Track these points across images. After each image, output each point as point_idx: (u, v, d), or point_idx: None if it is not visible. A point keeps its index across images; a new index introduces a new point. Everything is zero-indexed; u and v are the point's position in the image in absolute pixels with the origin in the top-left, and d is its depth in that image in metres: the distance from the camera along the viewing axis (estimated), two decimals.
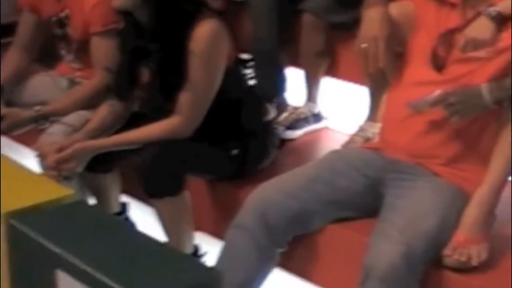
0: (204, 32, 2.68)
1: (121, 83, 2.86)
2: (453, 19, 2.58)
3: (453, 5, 2.60)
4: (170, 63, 2.72)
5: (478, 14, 2.51)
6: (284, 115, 3.41)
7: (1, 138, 3.57)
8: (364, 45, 2.61)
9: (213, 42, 2.69)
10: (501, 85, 2.38)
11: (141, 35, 2.78)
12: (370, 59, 2.61)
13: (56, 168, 2.72)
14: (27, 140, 3.43)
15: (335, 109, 3.50)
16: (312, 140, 3.40)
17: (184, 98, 2.72)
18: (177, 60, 2.70)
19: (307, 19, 3.38)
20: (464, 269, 2.40)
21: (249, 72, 2.98)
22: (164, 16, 2.70)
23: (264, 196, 2.55)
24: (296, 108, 3.45)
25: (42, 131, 3.07)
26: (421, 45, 2.61)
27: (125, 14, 2.81)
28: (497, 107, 2.40)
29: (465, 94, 2.42)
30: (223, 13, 2.86)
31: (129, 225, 2.79)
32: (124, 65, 2.85)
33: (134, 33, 2.80)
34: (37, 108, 3.10)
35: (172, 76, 2.73)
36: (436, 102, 2.44)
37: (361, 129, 3.19)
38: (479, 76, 2.45)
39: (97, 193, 3.06)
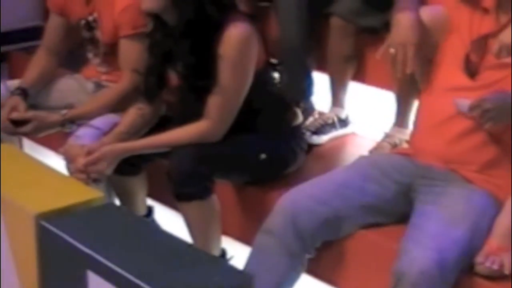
0: (234, 37, 2.67)
1: (150, 86, 2.86)
2: (486, 24, 2.56)
3: (486, 10, 2.57)
4: (199, 67, 2.71)
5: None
6: (311, 120, 3.40)
7: (26, 140, 3.59)
8: (392, 50, 2.59)
9: (243, 47, 2.68)
10: None
11: (170, 38, 2.77)
12: (398, 65, 2.58)
13: (85, 171, 2.71)
14: (51, 143, 3.43)
15: (362, 115, 3.48)
16: (339, 145, 3.39)
17: (213, 102, 2.71)
18: (206, 64, 2.69)
19: (335, 23, 3.36)
20: (496, 277, 2.37)
21: (277, 76, 2.96)
22: (193, 19, 2.68)
23: (294, 201, 2.53)
24: (322, 113, 3.44)
25: (66, 134, 3.06)
26: (453, 50, 2.59)
27: (154, 16, 2.80)
28: None
29: (501, 100, 2.40)
30: (252, 17, 2.85)
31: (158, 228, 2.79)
32: (152, 67, 2.85)
33: (163, 36, 2.80)
34: (64, 112, 3.10)
35: (200, 80, 2.72)
36: (473, 108, 2.42)
37: (388, 135, 3.16)
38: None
39: (123, 196, 3.06)
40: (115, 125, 2.95)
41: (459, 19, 2.61)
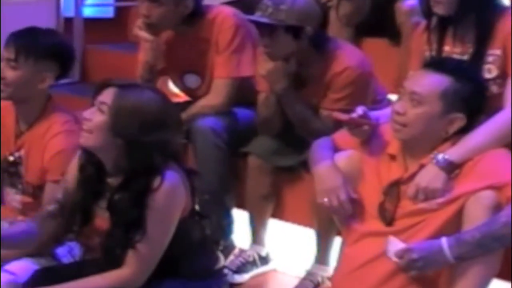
0: (163, 189, 2.65)
1: (72, 221, 2.78)
2: (394, 170, 2.62)
3: (392, 157, 2.63)
4: (134, 218, 2.67)
5: (421, 165, 2.54)
6: (231, 258, 3.40)
7: None
8: (326, 200, 2.63)
9: (171, 199, 2.67)
10: (461, 240, 2.40)
11: (101, 177, 2.73)
12: (337, 209, 2.62)
13: None
14: None
15: (282, 251, 3.49)
16: (261, 283, 3.38)
17: (135, 251, 2.68)
18: (140, 215, 2.66)
19: (252, 162, 3.40)
20: None
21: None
22: (138, 168, 2.65)
23: None
24: (243, 251, 3.44)
25: None
26: (367, 197, 2.64)
27: (89, 154, 2.75)
28: (459, 262, 2.41)
29: (426, 251, 2.43)
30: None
31: None
32: (79, 203, 2.76)
33: (94, 172, 2.75)
34: None
35: (132, 230, 2.67)
36: (399, 256, 2.44)
37: (310, 273, 3.18)
38: (429, 227, 2.49)
39: None
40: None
41: (368, 167, 2.66)
